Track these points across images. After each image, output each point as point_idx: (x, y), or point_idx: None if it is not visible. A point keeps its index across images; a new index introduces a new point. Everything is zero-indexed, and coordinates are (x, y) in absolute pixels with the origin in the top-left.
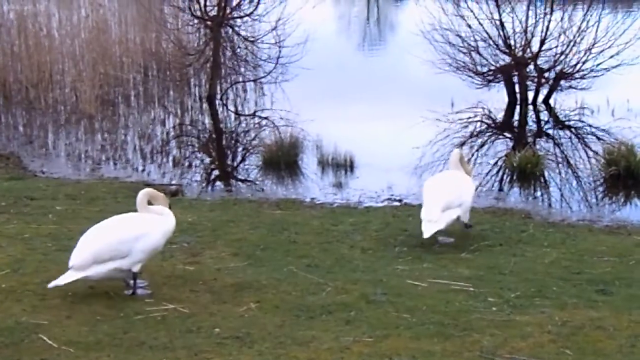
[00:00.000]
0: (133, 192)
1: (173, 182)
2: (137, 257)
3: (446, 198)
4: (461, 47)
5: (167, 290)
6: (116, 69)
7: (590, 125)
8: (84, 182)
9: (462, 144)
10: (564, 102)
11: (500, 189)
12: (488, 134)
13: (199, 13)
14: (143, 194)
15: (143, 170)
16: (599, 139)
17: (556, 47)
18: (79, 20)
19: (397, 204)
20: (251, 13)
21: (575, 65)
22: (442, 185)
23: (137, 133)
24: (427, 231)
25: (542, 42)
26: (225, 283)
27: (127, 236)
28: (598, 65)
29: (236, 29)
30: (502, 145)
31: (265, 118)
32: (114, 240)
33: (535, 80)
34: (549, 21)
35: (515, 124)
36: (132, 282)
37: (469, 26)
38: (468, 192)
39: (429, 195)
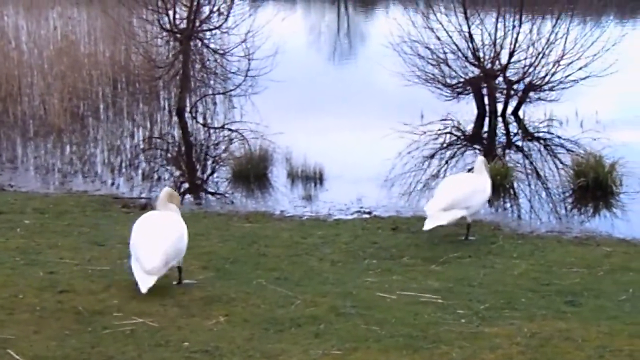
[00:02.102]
0: (102, 206)
1: (142, 195)
2: (182, 254)
3: (453, 197)
4: (430, 59)
5: (136, 304)
6: (85, 82)
7: (559, 137)
8: (53, 195)
9: (431, 156)
10: (533, 113)
11: None
12: (457, 145)
13: (168, 26)
14: (165, 194)
15: (112, 184)
16: (567, 150)
17: (525, 59)
18: (48, 33)
19: (367, 216)
20: (220, 26)
21: (544, 77)
22: (455, 184)
23: (106, 146)
24: (427, 225)
25: (511, 54)
26: (194, 296)
27: (180, 237)
28: (567, 77)
29: (205, 41)
30: (471, 157)
31: (235, 131)
32: (175, 241)
33: (504, 92)
34: (518, 33)
35: (485, 135)
36: (178, 274)
37: (438, 38)
38: (479, 196)
39: (440, 191)
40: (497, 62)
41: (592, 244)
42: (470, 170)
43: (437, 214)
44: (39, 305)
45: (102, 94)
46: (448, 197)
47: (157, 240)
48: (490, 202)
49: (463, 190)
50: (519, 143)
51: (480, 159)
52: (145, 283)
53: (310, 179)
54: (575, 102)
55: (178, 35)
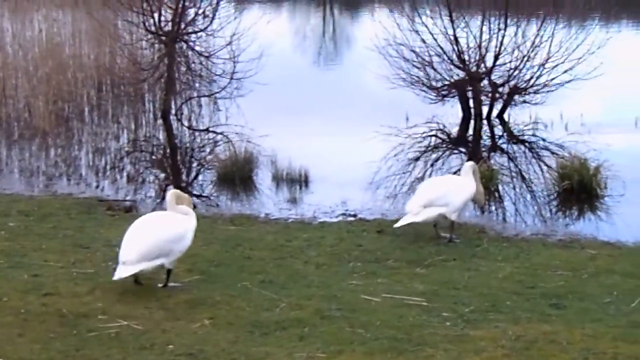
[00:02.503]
0: (86, 208)
1: (127, 197)
2: (175, 256)
3: (431, 194)
4: (415, 62)
5: (121, 306)
6: (70, 84)
7: (544, 140)
8: (37, 198)
9: (416, 159)
10: (518, 116)
11: None
12: (442, 148)
13: (153, 28)
14: (171, 195)
15: (97, 186)
16: (552, 153)
17: (510, 62)
18: (33, 36)
19: (352, 219)
20: (206, 28)
21: (529, 80)
22: (435, 183)
23: (91, 149)
24: (401, 221)
25: (496, 57)
26: (179, 299)
27: (171, 237)
28: (552, 80)
29: (191, 44)
30: (456, 160)
31: (220, 133)
32: (161, 241)
33: (490, 95)
34: (503, 36)
35: (470, 138)
36: (165, 276)
37: (424, 41)
38: (458, 194)
39: (420, 189)
40: (482, 65)
41: (577, 247)
42: (456, 172)
43: (415, 210)
44: (23, 308)
45: (87, 96)
46: (427, 194)
47: (139, 234)
48: (474, 204)
49: (441, 188)
50: (504, 146)
51: (469, 163)
52: (119, 272)
53: (295, 181)
54: (560, 105)
55: (163, 38)
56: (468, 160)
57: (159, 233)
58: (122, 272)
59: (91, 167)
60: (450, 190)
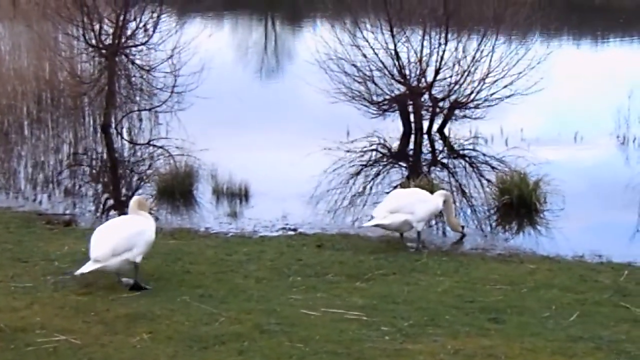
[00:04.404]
0: (25, 222)
1: (67, 211)
2: (141, 249)
3: (397, 201)
4: (356, 76)
5: (59, 321)
6: (9, 97)
7: (484, 154)
8: None
9: (357, 173)
10: (459, 131)
11: None
12: (383, 163)
13: (93, 41)
14: (134, 201)
15: (36, 200)
16: (492, 168)
17: (450, 76)
18: None
19: (292, 233)
20: (146, 42)
21: (470, 94)
22: (400, 192)
23: (30, 162)
24: (370, 222)
25: (437, 72)
26: (118, 313)
27: (135, 231)
28: (492, 94)
29: (131, 57)
30: (397, 174)
31: (161, 147)
32: (127, 234)
33: (430, 109)
34: (444, 51)
35: (410, 153)
36: (134, 275)
37: (365, 56)
38: (424, 204)
39: (386, 198)
40: (422, 79)
41: (516, 261)
42: (396, 187)
43: (382, 215)
44: None
45: (26, 109)
46: (394, 201)
47: (106, 233)
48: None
49: (408, 196)
50: (445, 160)
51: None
52: (85, 267)
53: (235, 195)
54: (500, 120)
55: (103, 51)
56: (407, 175)
57: (123, 229)
58: (89, 267)
59: (30, 180)
60: (418, 199)
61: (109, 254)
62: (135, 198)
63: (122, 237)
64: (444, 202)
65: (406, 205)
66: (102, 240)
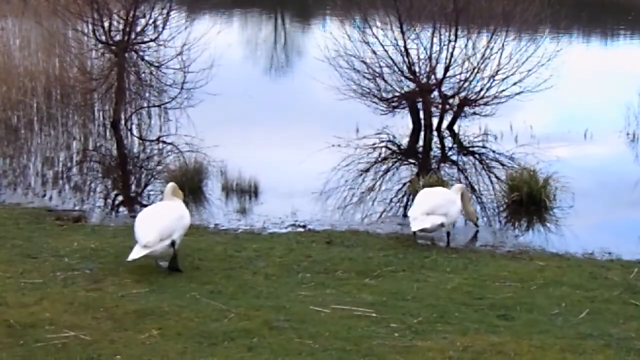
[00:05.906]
0: (35, 218)
1: (76, 207)
2: (180, 232)
3: (432, 202)
4: (366, 73)
5: (68, 317)
6: (19, 93)
7: (493, 151)
8: None
9: (366, 170)
10: (468, 128)
11: (405, 215)
12: (392, 159)
13: (103, 38)
14: (170, 187)
15: (45, 196)
16: (502, 165)
17: (460, 73)
18: None
19: (301, 229)
20: (156, 38)
21: (479, 91)
22: (432, 194)
23: (40, 158)
24: (415, 226)
25: (447, 69)
26: (128, 310)
27: (176, 216)
28: (502, 92)
29: (141, 54)
30: (406, 171)
31: (170, 143)
32: (170, 220)
33: (440, 106)
34: (454, 48)
35: (420, 150)
36: (173, 258)
37: (374, 52)
38: (454, 206)
39: (418, 199)
40: (432, 76)
41: (526, 258)
42: (406, 184)
43: (420, 217)
44: None
45: (36, 105)
46: (428, 202)
47: (151, 219)
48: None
49: (439, 198)
50: (454, 157)
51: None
52: (134, 253)
53: (244, 192)
54: (510, 117)
55: (113, 48)
56: (417, 172)
57: (166, 215)
58: (139, 252)
59: (40, 176)
60: (449, 200)
61: (157, 239)
62: (170, 184)
63: (166, 222)
64: (462, 195)
65: (439, 206)
66: (149, 226)
